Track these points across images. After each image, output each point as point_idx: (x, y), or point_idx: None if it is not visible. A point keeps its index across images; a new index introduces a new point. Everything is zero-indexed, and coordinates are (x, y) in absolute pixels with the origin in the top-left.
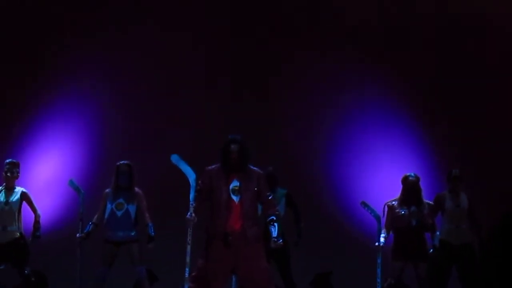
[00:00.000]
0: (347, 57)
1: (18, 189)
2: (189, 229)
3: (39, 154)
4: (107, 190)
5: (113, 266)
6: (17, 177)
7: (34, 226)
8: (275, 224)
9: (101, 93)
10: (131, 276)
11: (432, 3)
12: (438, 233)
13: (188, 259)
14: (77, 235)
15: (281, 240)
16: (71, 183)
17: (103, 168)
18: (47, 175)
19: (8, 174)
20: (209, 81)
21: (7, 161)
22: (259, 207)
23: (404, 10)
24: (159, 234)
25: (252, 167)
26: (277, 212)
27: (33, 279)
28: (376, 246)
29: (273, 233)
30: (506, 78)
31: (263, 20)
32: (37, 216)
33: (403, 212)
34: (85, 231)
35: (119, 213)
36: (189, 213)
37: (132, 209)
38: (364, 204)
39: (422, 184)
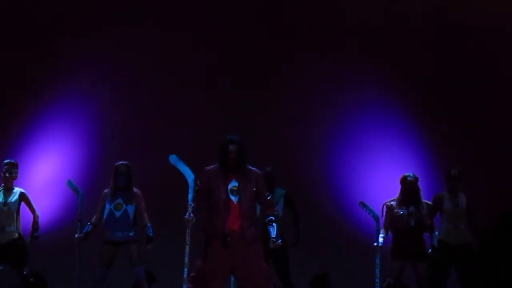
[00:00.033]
0: (347, 57)
1: (17, 190)
2: (187, 229)
3: (37, 154)
4: (105, 191)
5: (112, 267)
6: (15, 178)
7: (32, 226)
8: (274, 224)
9: (100, 93)
10: (129, 277)
11: (432, 3)
12: (436, 233)
13: (186, 260)
14: (76, 235)
15: (280, 241)
16: (70, 183)
17: (102, 168)
18: (46, 176)
19: (7, 175)
20: (209, 81)
21: (6, 161)
22: (258, 207)
23: (404, 10)
24: (158, 234)
25: (250, 167)
26: (275, 213)
27: (31, 279)
28: (375, 246)
29: (272, 233)
30: (506, 78)
31: (263, 20)
32: (35, 216)
33: (401, 212)
34: (84, 231)
35: (117, 214)
36: (187, 214)
37: (130, 209)
38: (363, 204)
39: (421, 184)
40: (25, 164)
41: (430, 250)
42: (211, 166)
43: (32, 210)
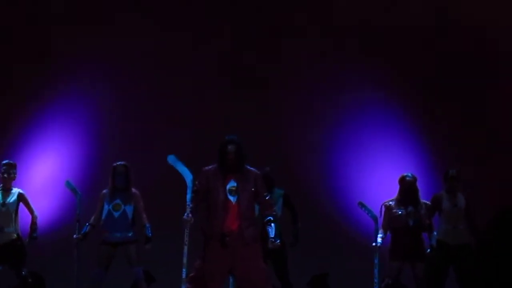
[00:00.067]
0: (347, 57)
1: (15, 190)
2: (186, 230)
3: (36, 155)
4: (104, 191)
5: (110, 267)
6: (14, 178)
7: (31, 227)
8: (272, 224)
9: (100, 93)
10: (128, 277)
11: (432, 3)
12: (435, 233)
13: (185, 260)
14: (74, 236)
15: (278, 241)
16: (68, 184)
17: (101, 169)
18: (44, 176)
19: (5, 175)
20: (209, 81)
21: (4, 162)
22: (257, 207)
23: (404, 10)
24: (156, 234)
25: (249, 167)
26: (274, 213)
27: (30, 280)
28: (374, 246)
29: (271, 233)
30: (506, 78)
31: (263, 20)
32: (34, 217)
33: (400, 212)
34: (82, 232)
35: (116, 214)
36: (186, 214)
37: (129, 210)
38: (361, 205)
39: (420, 184)
40: (23, 164)
41: (428, 250)
42: (210, 166)
43: (31, 211)
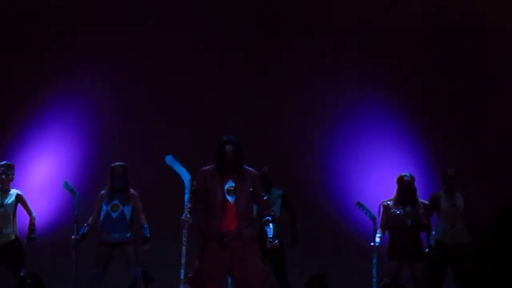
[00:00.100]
0: (347, 57)
1: (13, 191)
2: (184, 230)
3: (34, 155)
4: (102, 192)
5: (109, 268)
6: (12, 179)
7: (29, 228)
8: (271, 224)
9: (100, 93)
10: (126, 278)
11: (432, 3)
12: (433, 232)
13: (183, 261)
14: (72, 237)
15: (276, 241)
16: (66, 185)
17: (99, 169)
18: (43, 177)
19: (3, 176)
20: (209, 81)
21: (2, 163)
22: (255, 207)
23: (404, 10)
24: (154, 235)
25: (247, 167)
26: (272, 213)
27: (28, 281)
28: (372, 246)
29: (269, 233)
30: (506, 78)
31: (263, 20)
32: (32, 218)
33: (398, 212)
34: (80, 233)
35: (114, 215)
36: (184, 214)
37: (127, 210)
38: (360, 205)
39: (418, 184)
40: (22, 165)
41: (427, 250)
42: (207, 167)
43: (29, 212)
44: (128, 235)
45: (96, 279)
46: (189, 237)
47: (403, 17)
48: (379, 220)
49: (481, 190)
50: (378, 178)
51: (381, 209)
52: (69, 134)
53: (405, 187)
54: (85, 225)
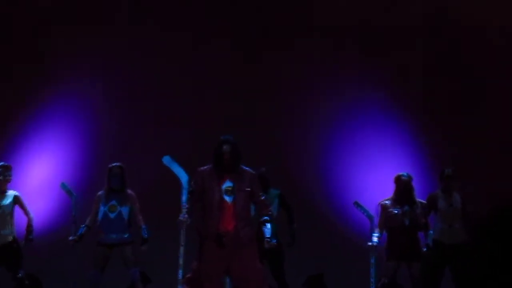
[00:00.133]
0: (347, 57)
1: (11, 193)
2: (182, 230)
3: (31, 157)
4: (99, 193)
5: (107, 269)
6: (9, 181)
7: (27, 229)
8: (268, 224)
9: (99, 93)
10: (125, 279)
11: (432, 3)
12: (431, 231)
13: (181, 261)
14: (70, 238)
15: (274, 241)
16: (63, 186)
17: (98, 170)
18: (40, 178)
19: (0, 178)
20: (209, 81)
21: None
22: (252, 207)
23: (404, 10)
24: (153, 235)
25: (244, 167)
26: (270, 213)
27: (27, 282)
28: (369, 245)
29: (267, 233)
30: (506, 78)
31: (263, 20)
32: (30, 219)
33: (396, 212)
34: (78, 233)
35: (112, 215)
36: (182, 215)
37: (125, 211)
38: (357, 205)
39: (416, 184)
40: (19, 167)
41: (424, 249)
42: (205, 167)
43: (26, 213)
44: (125, 236)
45: (94, 280)
46: (187, 238)
47: (403, 17)
48: (376, 219)
49: (481, 190)
50: (375, 177)
51: (379, 208)
52: (66, 135)
53: (403, 187)
54: (83, 226)
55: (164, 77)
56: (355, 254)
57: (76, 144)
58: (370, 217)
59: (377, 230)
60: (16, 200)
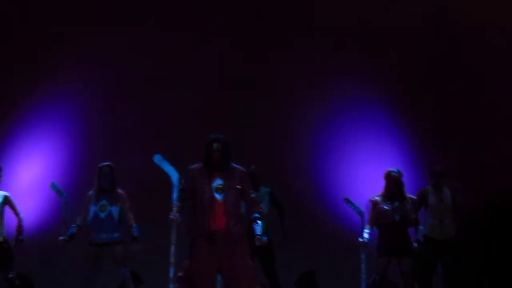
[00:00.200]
0: (347, 57)
1: (1, 193)
2: (173, 229)
3: (21, 157)
4: (89, 192)
5: (100, 269)
6: None
7: (17, 229)
8: (259, 222)
9: (99, 93)
10: (116, 278)
11: (432, 3)
12: (421, 227)
13: (172, 260)
14: (60, 238)
15: (265, 238)
16: (53, 186)
17: (88, 170)
18: (30, 178)
19: None
20: (209, 81)
21: None
22: (243, 205)
23: (404, 10)
24: (143, 234)
25: (235, 165)
26: (260, 210)
27: (17, 282)
28: (360, 241)
29: (257, 231)
30: (506, 78)
31: (263, 20)
32: (20, 219)
33: (386, 208)
34: (68, 233)
35: (102, 215)
36: (172, 213)
37: (115, 210)
38: (348, 201)
39: (406, 180)
40: (9, 167)
41: (415, 245)
42: (195, 165)
43: (17, 213)
44: (116, 235)
45: (86, 280)
46: (179, 236)
47: (403, 17)
48: (367, 215)
49: (481, 190)
50: (365, 174)
51: (370, 204)
52: (56, 135)
53: (393, 183)
54: (73, 225)
55: (164, 77)
56: (346, 250)
57: (66, 144)
58: (360, 214)
59: (367, 226)
60: (6, 200)
